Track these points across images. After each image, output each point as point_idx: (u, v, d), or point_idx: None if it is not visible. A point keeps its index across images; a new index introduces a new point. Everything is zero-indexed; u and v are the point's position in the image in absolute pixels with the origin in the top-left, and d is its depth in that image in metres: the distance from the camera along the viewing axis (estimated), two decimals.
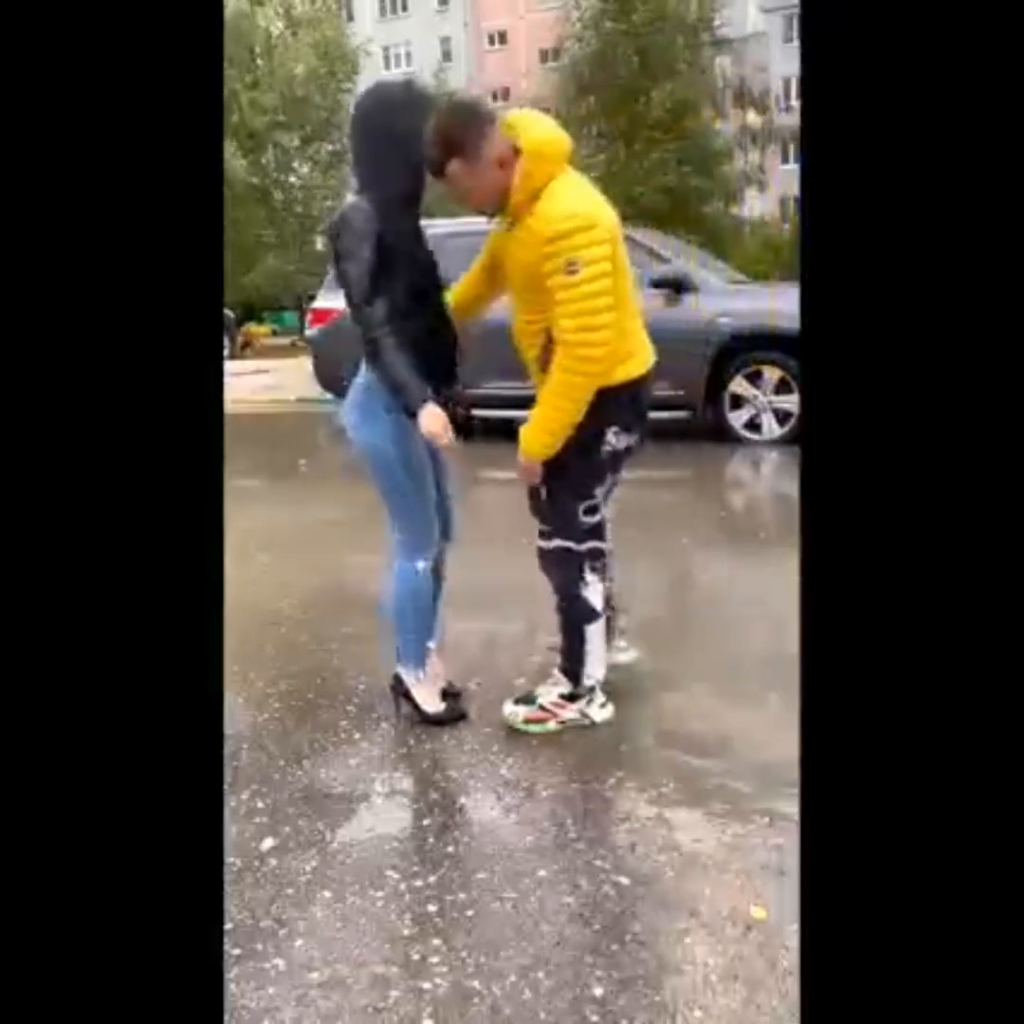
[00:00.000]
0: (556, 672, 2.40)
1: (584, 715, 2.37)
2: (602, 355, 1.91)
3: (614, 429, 2.10)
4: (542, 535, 2.26)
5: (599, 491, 2.18)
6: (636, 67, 15.14)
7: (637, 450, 2.22)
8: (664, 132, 14.84)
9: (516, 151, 1.95)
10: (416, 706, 2.44)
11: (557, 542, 2.22)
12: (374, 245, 1.99)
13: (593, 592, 2.27)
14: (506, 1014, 1.46)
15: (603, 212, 1.94)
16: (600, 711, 2.38)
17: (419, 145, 2.00)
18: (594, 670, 2.35)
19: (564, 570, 2.24)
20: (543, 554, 2.27)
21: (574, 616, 2.30)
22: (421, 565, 2.29)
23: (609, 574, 2.43)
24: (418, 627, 2.39)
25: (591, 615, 2.29)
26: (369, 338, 2.02)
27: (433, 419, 2.01)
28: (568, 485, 2.16)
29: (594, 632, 2.31)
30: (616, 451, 2.15)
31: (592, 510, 2.19)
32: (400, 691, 2.46)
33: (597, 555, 2.25)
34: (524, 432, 2.07)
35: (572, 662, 2.35)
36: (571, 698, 2.37)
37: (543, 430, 2.02)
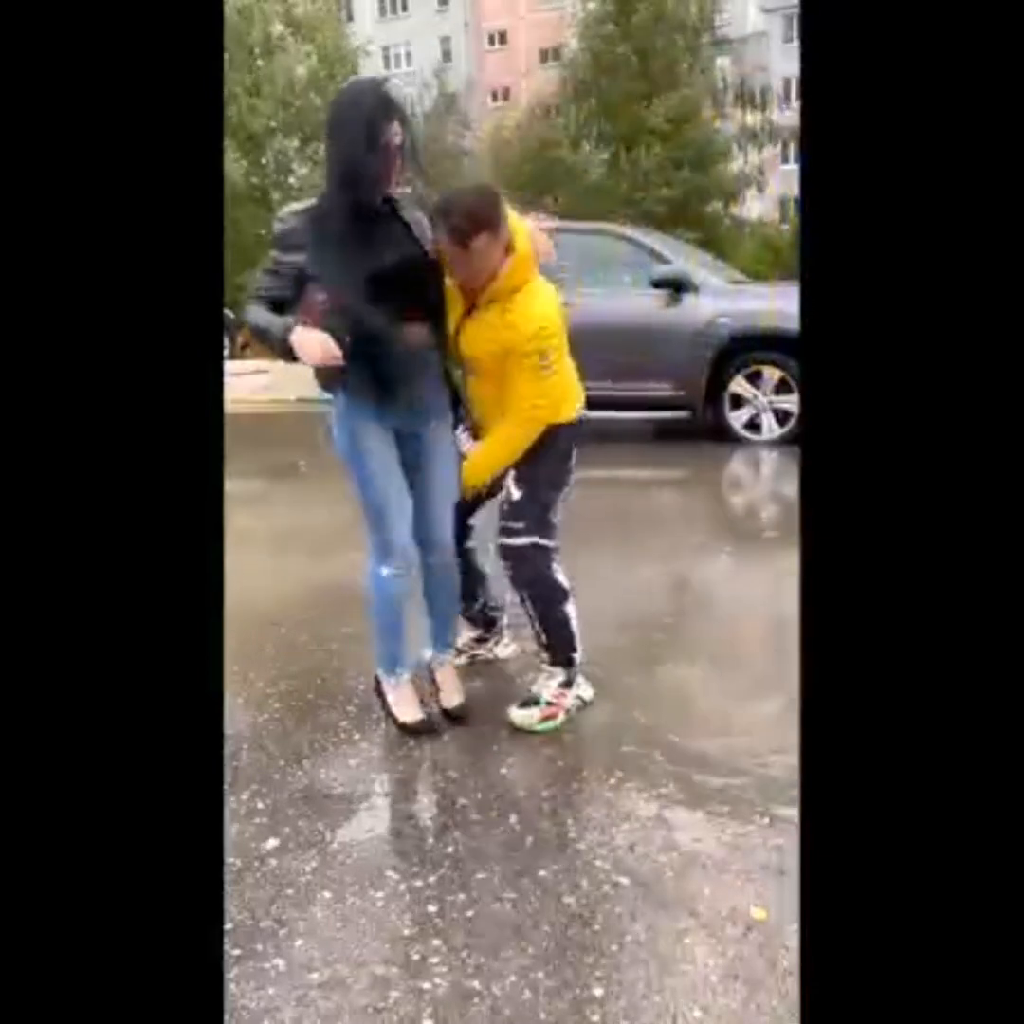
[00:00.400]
0: (546, 667, 2.45)
1: (580, 699, 2.47)
2: (546, 417, 2.32)
3: (575, 450, 2.45)
4: (512, 533, 2.36)
5: (559, 497, 2.43)
6: (636, 69, 15.15)
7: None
8: (663, 140, 14.89)
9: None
10: (388, 711, 2.43)
11: (532, 539, 2.36)
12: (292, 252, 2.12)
13: (560, 574, 2.41)
14: (506, 1014, 1.46)
15: (558, 311, 2.31)
16: (587, 690, 2.51)
17: (380, 144, 1.97)
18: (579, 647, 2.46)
19: (536, 563, 2.38)
20: (512, 551, 2.37)
21: (551, 600, 2.40)
22: (385, 571, 2.27)
23: None
24: (388, 631, 2.38)
25: (566, 594, 2.41)
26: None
27: (302, 341, 1.97)
28: (549, 489, 2.38)
29: (572, 608, 2.42)
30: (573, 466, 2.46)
31: (556, 511, 2.43)
32: (380, 692, 2.47)
33: (556, 549, 2.44)
34: (468, 467, 2.39)
35: (562, 647, 2.43)
36: (566, 685, 2.44)
37: (486, 469, 2.40)
